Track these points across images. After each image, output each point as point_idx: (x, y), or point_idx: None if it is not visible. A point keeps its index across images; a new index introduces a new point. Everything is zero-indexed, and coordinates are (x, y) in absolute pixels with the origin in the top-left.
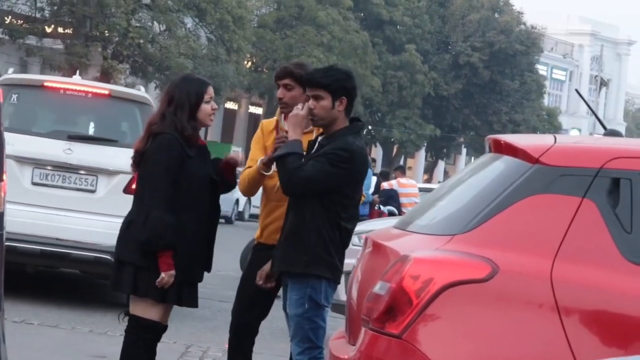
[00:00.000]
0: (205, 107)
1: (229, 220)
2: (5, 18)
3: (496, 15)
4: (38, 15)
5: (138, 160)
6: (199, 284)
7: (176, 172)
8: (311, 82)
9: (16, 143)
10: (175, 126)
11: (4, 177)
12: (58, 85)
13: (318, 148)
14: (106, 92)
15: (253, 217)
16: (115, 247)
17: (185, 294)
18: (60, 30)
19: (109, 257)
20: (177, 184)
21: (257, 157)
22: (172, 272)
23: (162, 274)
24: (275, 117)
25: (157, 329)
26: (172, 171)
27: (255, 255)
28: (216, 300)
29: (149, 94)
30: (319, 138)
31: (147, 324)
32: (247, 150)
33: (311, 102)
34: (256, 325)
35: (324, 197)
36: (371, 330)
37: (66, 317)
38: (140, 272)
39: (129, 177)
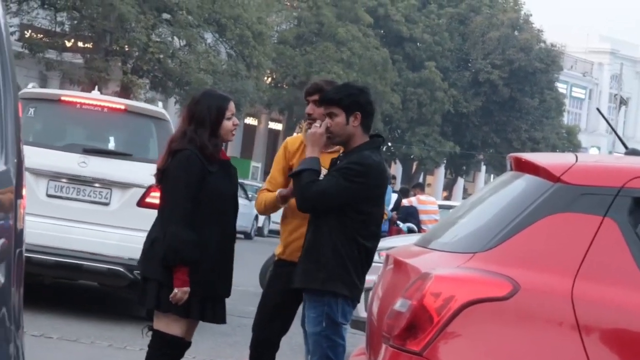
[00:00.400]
0: (227, 124)
1: (248, 236)
2: (26, 32)
3: (516, 33)
4: (58, 30)
5: (160, 178)
6: None
7: (196, 188)
8: (324, 100)
9: (32, 156)
10: (196, 143)
11: (24, 192)
12: (74, 100)
13: (337, 164)
14: (122, 107)
15: (272, 233)
16: (141, 264)
17: (208, 309)
18: (80, 44)
19: (121, 269)
20: (198, 199)
21: (276, 177)
22: (186, 288)
23: (175, 290)
24: (299, 134)
25: (180, 345)
26: (191, 187)
27: (275, 272)
28: (235, 316)
29: (169, 109)
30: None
31: (170, 339)
32: (267, 166)
33: (327, 121)
34: (276, 341)
35: (340, 212)
36: (392, 347)
37: (85, 331)
38: (164, 288)
39: (142, 190)
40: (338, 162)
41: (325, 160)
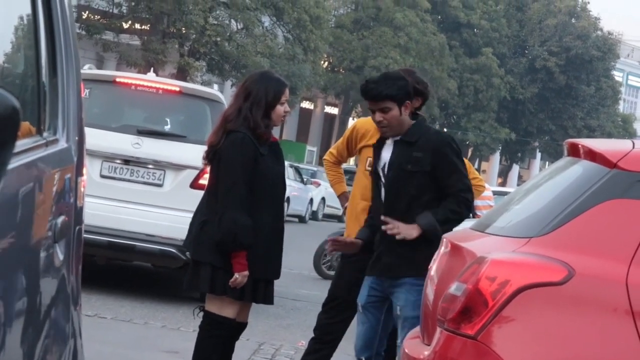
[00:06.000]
0: (279, 109)
1: (302, 220)
2: (83, 13)
3: (573, 20)
4: (115, 11)
5: (211, 156)
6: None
7: (250, 172)
8: (376, 96)
9: (87, 136)
10: (249, 123)
11: (84, 172)
12: (129, 81)
13: (405, 150)
14: (177, 89)
15: (327, 217)
16: (191, 248)
17: (260, 291)
18: (137, 26)
19: (174, 250)
20: (251, 183)
21: (341, 151)
22: (246, 272)
23: (236, 274)
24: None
25: (231, 327)
26: (246, 170)
27: (345, 262)
28: (289, 299)
29: (225, 92)
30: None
31: (222, 321)
32: (322, 150)
33: (378, 115)
34: (344, 329)
35: (429, 199)
36: (446, 331)
37: (139, 311)
38: (217, 272)
39: (196, 172)
40: (400, 145)
41: None
